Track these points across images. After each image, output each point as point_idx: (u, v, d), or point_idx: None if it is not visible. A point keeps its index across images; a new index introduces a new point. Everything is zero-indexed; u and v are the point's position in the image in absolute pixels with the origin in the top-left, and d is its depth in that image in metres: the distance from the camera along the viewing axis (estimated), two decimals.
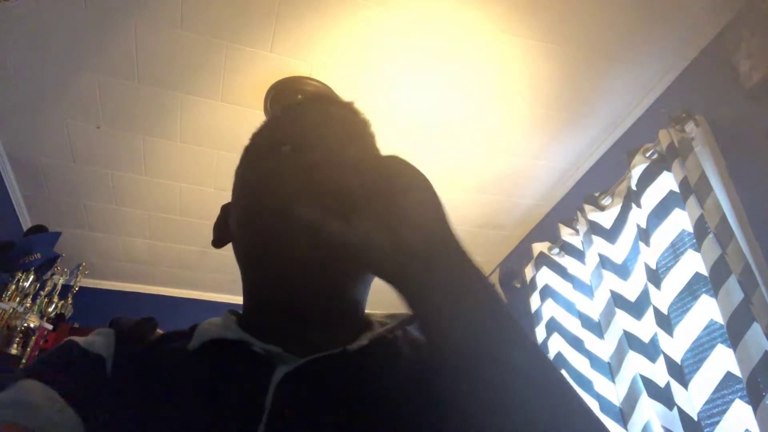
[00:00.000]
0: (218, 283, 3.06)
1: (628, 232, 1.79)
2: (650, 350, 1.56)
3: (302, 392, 0.44)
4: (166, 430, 0.42)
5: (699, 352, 1.37)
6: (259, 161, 0.55)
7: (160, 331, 0.55)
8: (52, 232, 2.49)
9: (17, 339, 2.18)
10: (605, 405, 1.69)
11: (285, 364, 0.46)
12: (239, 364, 0.47)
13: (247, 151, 0.61)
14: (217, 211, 0.64)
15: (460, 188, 2.31)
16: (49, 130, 2.08)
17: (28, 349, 2.20)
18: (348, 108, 0.60)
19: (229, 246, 0.60)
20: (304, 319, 0.50)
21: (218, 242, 0.62)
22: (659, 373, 1.49)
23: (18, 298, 2.24)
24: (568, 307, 1.94)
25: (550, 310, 1.96)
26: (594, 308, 1.83)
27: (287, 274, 0.49)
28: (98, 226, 2.64)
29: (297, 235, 0.46)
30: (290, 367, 0.45)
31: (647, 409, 1.47)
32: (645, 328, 1.62)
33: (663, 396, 1.45)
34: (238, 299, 0.56)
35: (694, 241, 1.41)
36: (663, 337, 1.45)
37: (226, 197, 0.63)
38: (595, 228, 1.85)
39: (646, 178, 1.65)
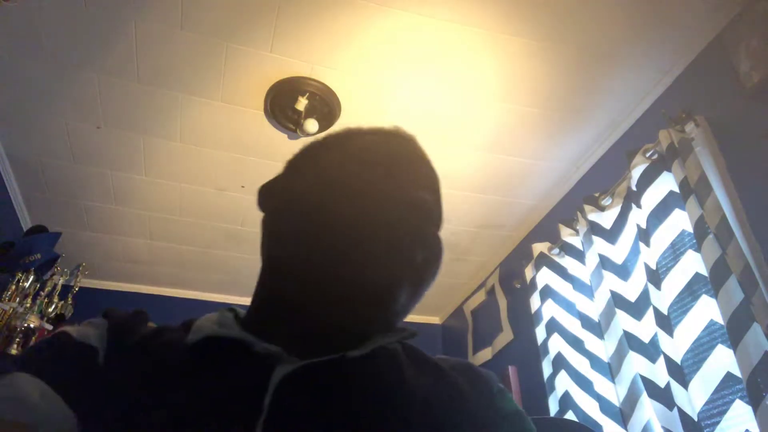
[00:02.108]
0: (218, 283, 3.06)
1: (628, 233, 1.79)
2: (650, 350, 1.56)
3: (301, 395, 0.44)
4: (159, 425, 0.42)
5: (699, 352, 1.37)
6: (353, 170, 0.53)
7: (152, 324, 0.55)
8: (52, 232, 2.49)
9: (17, 339, 2.18)
10: (605, 405, 1.69)
11: (284, 365, 0.46)
12: (237, 363, 0.47)
13: (324, 151, 0.58)
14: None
15: (460, 188, 2.31)
16: (49, 130, 2.08)
17: None
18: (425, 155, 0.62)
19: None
20: (323, 329, 0.50)
21: (264, 207, 0.58)
22: (659, 374, 1.49)
23: (18, 298, 2.24)
24: (569, 307, 1.94)
25: (550, 310, 1.95)
26: (594, 308, 1.83)
27: (344, 286, 0.48)
28: (98, 226, 2.64)
29: (378, 256, 0.48)
30: (290, 368, 0.45)
31: (647, 409, 1.47)
32: (645, 328, 1.62)
33: (663, 396, 1.45)
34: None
35: (694, 241, 1.41)
36: (663, 338, 1.44)
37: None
38: (595, 228, 1.85)
39: (646, 179, 1.65)
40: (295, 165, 0.60)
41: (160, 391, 0.44)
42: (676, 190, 1.54)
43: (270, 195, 0.58)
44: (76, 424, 0.43)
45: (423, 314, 3.34)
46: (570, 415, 1.69)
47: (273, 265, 0.54)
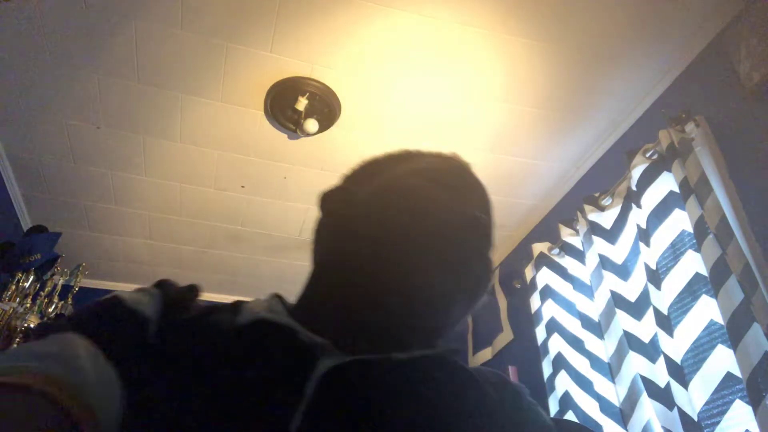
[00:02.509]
0: (218, 283, 3.06)
1: (628, 233, 1.79)
2: (650, 350, 1.56)
3: (344, 389, 0.45)
4: (203, 400, 0.42)
5: (699, 352, 1.37)
6: (420, 185, 0.56)
7: (201, 301, 0.56)
8: (52, 232, 2.49)
9: (17, 339, 2.18)
10: (605, 405, 1.69)
11: (329, 358, 0.46)
12: (282, 349, 0.48)
13: (387, 165, 0.62)
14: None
15: None
16: (49, 130, 2.08)
17: None
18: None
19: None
20: (373, 328, 0.51)
21: (326, 210, 0.61)
22: (659, 374, 1.49)
23: (18, 298, 2.24)
24: (569, 307, 1.94)
25: (550, 310, 1.95)
26: (594, 308, 1.83)
27: (401, 291, 0.50)
28: (98, 226, 2.64)
29: (439, 267, 0.50)
30: (336, 361, 0.46)
31: (647, 409, 1.47)
32: (645, 328, 1.61)
33: (663, 396, 1.45)
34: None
35: (694, 241, 1.41)
36: (663, 338, 1.44)
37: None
38: (595, 228, 1.85)
39: (646, 179, 1.65)
40: (355, 177, 0.64)
41: (205, 372, 0.45)
42: (676, 190, 1.53)
43: (332, 200, 0.61)
44: (121, 397, 0.43)
45: None
46: (570, 415, 1.69)
47: (331, 263, 0.56)
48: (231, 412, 0.42)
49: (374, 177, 0.61)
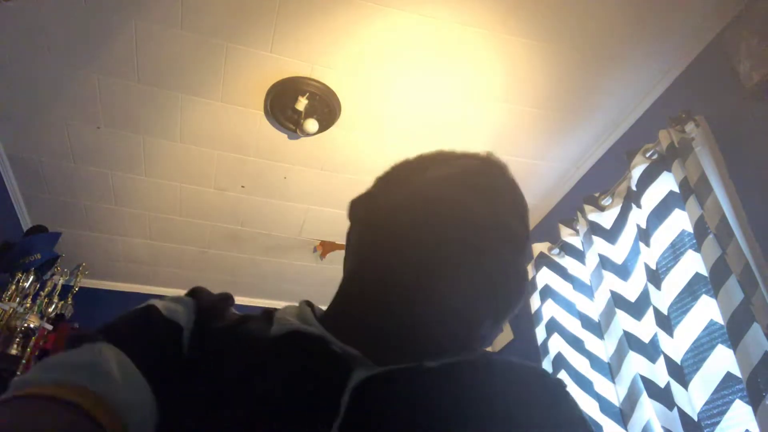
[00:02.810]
0: (218, 283, 3.06)
1: (628, 233, 1.79)
2: (650, 350, 1.56)
3: (379, 399, 0.45)
4: (239, 414, 0.42)
5: (699, 352, 1.37)
6: (451, 192, 0.55)
7: (234, 311, 0.56)
8: (52, 232, 2.49)
9: (17, 339, 2.18)
10: (605, 405, 1.69)
11: (362, 368, 0.46)
12: (316, 360, 0.47)
13: (419, 169, 0.60)
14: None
15: None
16: (49, 130, 2.08)
17: (28, 349, 2.19)
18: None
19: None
20: (404, 337, 0.50)
21: (356, 218, 0.61)
22: (659, 374, 1.49)
23: (18, 299, 2.24)
24: (569, 307, 1.94)
25: (550, 310, 1.95)
26: (594, 308, 1.83)
27: (429, 302, 0.49)
28: (98, 226, 2.64)
29: (468, 280, 0.49)
30: (368, 372, 0.46)
31: (647, 409, 1.47)
32: (645, 328, 1.61)
33: (663, 396, 1.45)
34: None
35: (694, 241, 1.41)
36: (663, 338, 1.44)
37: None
38: (595, 228, 1.85)
39: (646, 179, 1.65)
40: (386, 181, 0.62)
41: (240, 382, 0.45)
42: (676, 190, 1.54)
43: (362, 207, 0.60)
44: (153, 405, 0.43)
45: None
46: None
47: (359, 272, 0.56)
48: (267, 424, 0.42)
49: (405, 182, 0.59)
